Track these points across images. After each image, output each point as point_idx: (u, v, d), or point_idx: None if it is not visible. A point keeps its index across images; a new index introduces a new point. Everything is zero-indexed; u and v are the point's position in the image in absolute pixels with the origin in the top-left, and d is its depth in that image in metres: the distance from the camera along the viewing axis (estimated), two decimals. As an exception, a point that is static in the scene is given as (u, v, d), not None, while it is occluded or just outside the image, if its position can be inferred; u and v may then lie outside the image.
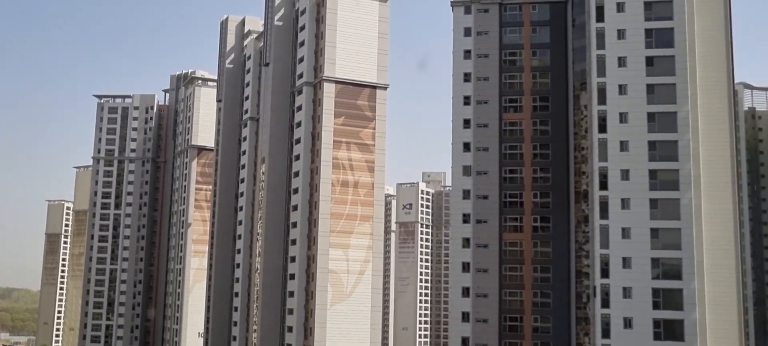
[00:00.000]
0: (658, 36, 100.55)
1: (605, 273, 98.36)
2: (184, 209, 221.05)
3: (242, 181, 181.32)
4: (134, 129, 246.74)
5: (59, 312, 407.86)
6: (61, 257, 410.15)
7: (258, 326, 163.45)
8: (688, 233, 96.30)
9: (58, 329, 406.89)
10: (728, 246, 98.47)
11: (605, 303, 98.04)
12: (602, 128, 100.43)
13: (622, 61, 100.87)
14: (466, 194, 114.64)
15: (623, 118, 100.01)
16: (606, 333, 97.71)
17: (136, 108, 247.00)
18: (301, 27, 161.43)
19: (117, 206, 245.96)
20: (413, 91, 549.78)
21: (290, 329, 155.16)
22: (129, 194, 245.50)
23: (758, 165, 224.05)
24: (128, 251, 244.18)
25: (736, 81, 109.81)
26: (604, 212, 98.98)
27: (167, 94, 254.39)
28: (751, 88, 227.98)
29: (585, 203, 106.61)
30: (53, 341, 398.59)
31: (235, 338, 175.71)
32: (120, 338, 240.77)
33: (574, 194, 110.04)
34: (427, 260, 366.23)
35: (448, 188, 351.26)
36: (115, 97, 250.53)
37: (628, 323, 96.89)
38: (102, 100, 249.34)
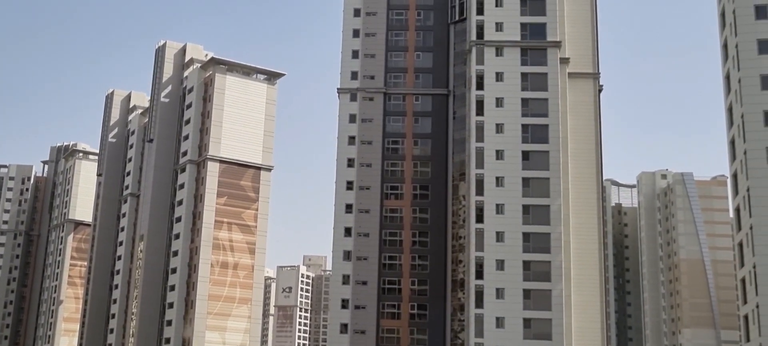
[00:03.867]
0: (534, 132, 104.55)
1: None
2: (56, 285, 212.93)
3: (119, 258, 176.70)
4: (8, 200, 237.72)
5: None
6: None
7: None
8: (559, 323, 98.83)
9: None
10: (595, 336, 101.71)
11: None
12: (479, 219, 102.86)
13: (499, 154, 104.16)
14: (345, 279, 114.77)
15: (500, 209, 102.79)
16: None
17: (11, 178, 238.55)
18: (188, 105, 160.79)
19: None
20: (297, 173, 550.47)
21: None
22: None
23: (623, 259, 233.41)
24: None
25: (604, 177, 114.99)
26: (480, 301, 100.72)
27: (46, 166, 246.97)
28: (618, 185, 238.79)
29: (461, 291, 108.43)
30: None
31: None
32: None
33: (451, 283, 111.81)
34: (304, 345, 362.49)
35: (328, 273, 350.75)
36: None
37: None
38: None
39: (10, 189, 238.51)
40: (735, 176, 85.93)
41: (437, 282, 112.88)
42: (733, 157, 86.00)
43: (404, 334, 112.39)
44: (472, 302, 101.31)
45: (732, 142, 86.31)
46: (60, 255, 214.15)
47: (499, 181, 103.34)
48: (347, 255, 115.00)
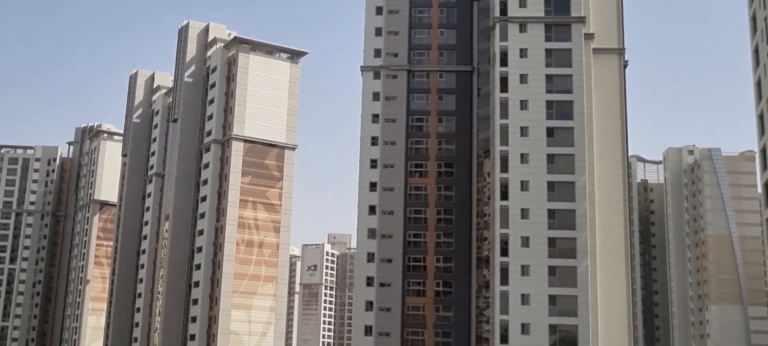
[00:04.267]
0: (559, 108, 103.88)
1: (504, 339, 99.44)
2: (83, 265, 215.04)
3: (145, 238, 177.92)
4: (35, 181, 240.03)
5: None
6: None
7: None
8: (585, 300, 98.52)
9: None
10: (621, 313, 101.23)
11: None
12: (504, 196, 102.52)
13: (524, 131, 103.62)
14: (370, 257, 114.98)
15: (524, 186, 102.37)
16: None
17: (37, 159, 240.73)
18: (212, 84, 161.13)
19: (12, 260, 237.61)
20: (321, 152, 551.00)
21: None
22: (25, 248, 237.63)
23: (649, 235, 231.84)
24: (21, 307, 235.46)
25: (629, 153, 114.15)
26: (505, 278, 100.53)
27: (71, 147, 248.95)
28: (644, 161, 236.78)
29: (486, 268, 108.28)
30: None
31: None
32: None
33: (476, 260, 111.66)
34: (330, 323, 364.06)
35: (353, 251, 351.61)
36: (16, 147, 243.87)
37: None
38: (2, 151, 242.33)
39: (36, 170, 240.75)
40: (764, 151, 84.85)
41: (462, 259, 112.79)
42: (762, 131, 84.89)
43: (429, 311, 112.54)
44: (497, 279, 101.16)
45: (761, 117, 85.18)
46: (86, 235, 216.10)
47: (523, 158, 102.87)
48: (372, 233, 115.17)
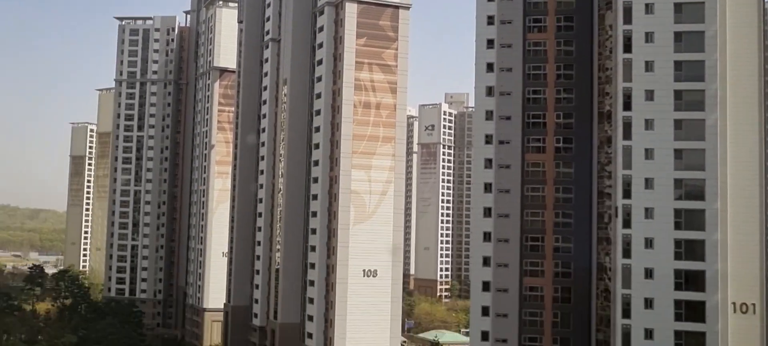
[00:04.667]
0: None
1: (627, 194, 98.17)
2: (206, 131, 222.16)
3: (264, 102, 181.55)
4: (156, 51, 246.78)
5: (86, 233, 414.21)
6: (86, 178, 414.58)
7: (281, 245, 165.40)
8: (713, 153, 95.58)
9: (85, 249, 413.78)
10: (752, 166, 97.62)
11: (627, 223, 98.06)
12: (627, 48, 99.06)
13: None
14: (488, 115, 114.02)
15: (649, 37, 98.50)
16: (627, 253, 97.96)
17: (157, 30, 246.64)
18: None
19: (140, 128, 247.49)
20: (437, 10, 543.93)
21: (313, 248, 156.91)
22: (151, 116, 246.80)
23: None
24: (152, 172, 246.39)
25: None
26: (628, 133, 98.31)
27: (188, 16, 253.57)
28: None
29: (608, 123, 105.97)
30: (81, 261, 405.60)
31: (258, 258, 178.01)
32: (145, 258, 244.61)
33: (597, 115, 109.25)
34: (448, 181, 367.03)
35: (470, 109, 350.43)
36: (136, 19, 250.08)
37: (649, 243, 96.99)
38: (123, 23, 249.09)
39: (156, 40, 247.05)
40: None
41: (583, 115, 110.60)
42: None
43: (549, 167, 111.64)
44: (619, 134, 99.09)
45: None
46: (208, 102, 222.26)
47: (648, 8, 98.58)
48: (489, 91, 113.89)
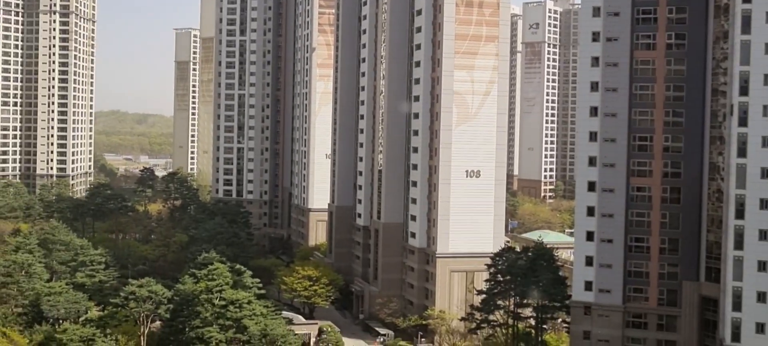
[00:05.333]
0: None
1: (744, 91, 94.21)
2: (308, 34, 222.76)
3: (365, 3, 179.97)
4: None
5: (192, 136, 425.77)
6: (191, 83, 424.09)
7: (383, 147, 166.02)
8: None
9: (192, 152, 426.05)
10: None
11: (742, 122, 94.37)
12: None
13: None
14: (595, 11, 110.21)
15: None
16: (742, 152, 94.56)
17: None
18: None
19: (242, 32, 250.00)
20: None
21: (415, 149, 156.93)
22: (253, 20, 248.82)
23: None
24: (255, 76, 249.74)
25: None
26: (746, 27, 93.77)
27: None
28: None
29: (725, 17, 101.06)
30: (189, 164, 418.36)
31: (361, 159, 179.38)
32: (251, 160, 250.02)
33: (713, 8, 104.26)
34: (553, 80, 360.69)
35: (576, 6, 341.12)
36: None
37: (766, 142, 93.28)
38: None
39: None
40: None
41: (697, 8, 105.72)
42: None
43: (660, 64, 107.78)
44: (737, 28, 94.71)
45: None
46: (309, 4, 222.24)
47: None
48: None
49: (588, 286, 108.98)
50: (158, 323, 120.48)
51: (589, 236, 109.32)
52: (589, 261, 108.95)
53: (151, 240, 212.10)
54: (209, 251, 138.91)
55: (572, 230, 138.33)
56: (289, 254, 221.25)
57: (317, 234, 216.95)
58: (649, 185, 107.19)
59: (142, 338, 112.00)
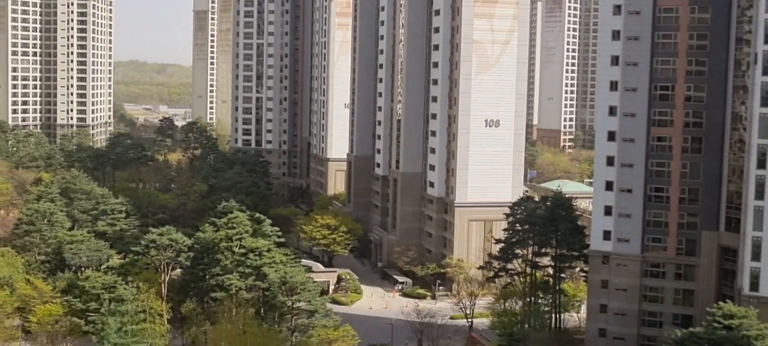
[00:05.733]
0: None
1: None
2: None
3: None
4: None
5: (211, 86, 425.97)
6: (210, 32, 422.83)
7: (402, 96, 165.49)
8: None
9: (211, 102, 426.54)
10: None
11: (767, 71, 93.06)
12: None
13: None
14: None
15: None
16: (765, 102, 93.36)
17: None
18: None
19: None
20: None
21: (434, 99, 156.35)
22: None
23: None
24: (273, 26, 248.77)
25: None
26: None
27: None
28: None
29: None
30: (208, 113, 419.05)
31: (380, 109, 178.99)
32: (269, 110, 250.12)
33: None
34: (574, 30, 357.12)
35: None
36: None
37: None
38: None
39: None
40: None
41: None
42: None
43: (683, 13, 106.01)
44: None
45: None
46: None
47: None
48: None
49: (606, 235, 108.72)
50: (179, 270, 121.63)
51: (609, 186, 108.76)
52: (607, 211, 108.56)
53: (171, 189, 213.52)
54: (229, 200, 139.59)
55: (591, 180, 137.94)
56: (308, 203, 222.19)
57: (336, 184, 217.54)
58: (670, 134, 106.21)
59: (162, 285, 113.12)
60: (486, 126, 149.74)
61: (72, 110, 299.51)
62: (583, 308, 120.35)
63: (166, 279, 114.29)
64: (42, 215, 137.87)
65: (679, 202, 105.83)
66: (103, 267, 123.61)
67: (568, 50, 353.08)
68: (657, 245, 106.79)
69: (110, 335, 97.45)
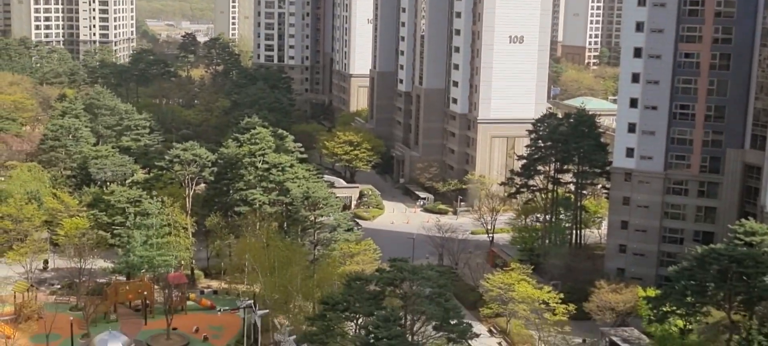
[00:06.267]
0: None
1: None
2: None
3: None
4: None
5: (233, 1, 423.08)
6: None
7: (426, 11, 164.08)
8: None
9: (233, 18, 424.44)
10: None
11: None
12: None
13: None
14: None
15: None
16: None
17: None
18: None
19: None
20: None
21: (458, 14, 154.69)
22: None
23: None
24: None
25: None
26: None
27: None
28: None
29: None
30: (230, 29, 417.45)
31: (403, 24, 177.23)
32: (292, 26, 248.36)
33: None
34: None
35: None
36: None
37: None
38: None
39: None
40: None
41: None
42: None
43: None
44: None
45: None
46: None
47: None
48: None
49: (629, 152, 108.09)
50: (202, 185, 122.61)
51: (633, 103, 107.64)
52: (631, 128, 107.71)
53: (194, 105, 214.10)
54: (251, 116, 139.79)
55: (615, 98, 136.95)
56: (330, 119, 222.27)
57: (358, 100, 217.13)
58: (698, 50, 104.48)
59: (187, 199, 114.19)
60: (510, 42, 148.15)
61: (95, 26, 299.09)
62: (604, 225, 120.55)
63: (191, 194, 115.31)
64: (67, 130, 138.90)
65: (704, 119, 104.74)
66: (127, 182, 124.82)
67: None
68: (680, 162, 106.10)
69: (136, 247, 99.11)
